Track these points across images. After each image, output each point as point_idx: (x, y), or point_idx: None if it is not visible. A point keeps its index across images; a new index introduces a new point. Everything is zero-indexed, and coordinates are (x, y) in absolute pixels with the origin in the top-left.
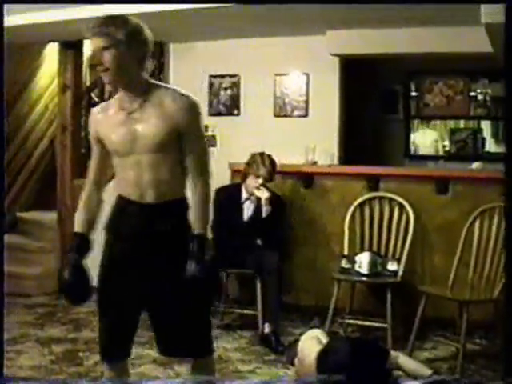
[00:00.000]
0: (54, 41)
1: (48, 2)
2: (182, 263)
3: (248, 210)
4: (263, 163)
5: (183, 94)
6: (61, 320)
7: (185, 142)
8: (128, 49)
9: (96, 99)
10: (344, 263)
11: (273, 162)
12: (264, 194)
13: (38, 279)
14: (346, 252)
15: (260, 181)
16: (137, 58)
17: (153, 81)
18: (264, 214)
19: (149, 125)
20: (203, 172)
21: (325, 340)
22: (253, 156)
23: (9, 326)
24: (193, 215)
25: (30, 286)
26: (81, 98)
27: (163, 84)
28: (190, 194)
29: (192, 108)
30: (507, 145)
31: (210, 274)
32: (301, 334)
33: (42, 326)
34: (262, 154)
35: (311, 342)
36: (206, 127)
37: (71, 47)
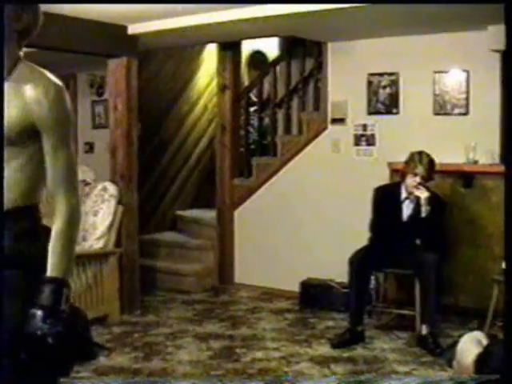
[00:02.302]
0: (213, 42)
1: (49, 2)
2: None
3: (407, 210)
4: (421, 161)
5: (46, 78)
6: (219, 316)
7: (43, 140)
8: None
9: (255, 99)
10: (505, 264)
11: (431, 161)
12: (423, 194)
13: (197, 276)
14: None
15: (417, 179)
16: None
17: (25, 61)
18: (423, 214)
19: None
20: (61, 186)
21: (485, 343)
22: (411, 155)
23: (169, 322)
24: (49, 250)
25: (189, 283)
26: (239, 98)
27: (33, 65)
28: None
29: (51, 96)
30: (507, 143)
31: (64, 339)
32: (459, 336)
33: (200, 322)
34: (420, 153)
35: (471, 345)
36: (365, 126)
37: (230, 48)
